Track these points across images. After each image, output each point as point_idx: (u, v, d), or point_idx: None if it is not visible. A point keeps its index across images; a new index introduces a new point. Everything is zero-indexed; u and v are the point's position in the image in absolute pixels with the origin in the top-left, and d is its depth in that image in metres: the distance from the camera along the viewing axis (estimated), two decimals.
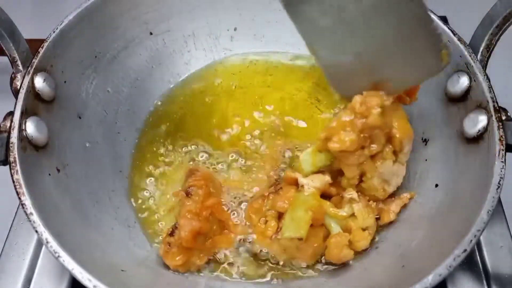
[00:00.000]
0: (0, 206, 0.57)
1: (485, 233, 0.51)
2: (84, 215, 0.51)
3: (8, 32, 0.52)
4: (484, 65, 0.54)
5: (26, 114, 0.49)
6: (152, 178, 0.59)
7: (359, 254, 0.52)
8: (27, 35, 0.55)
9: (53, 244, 0.43)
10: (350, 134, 0.48)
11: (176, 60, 0.68)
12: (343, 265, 0.52)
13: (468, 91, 0.53)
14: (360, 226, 0.52)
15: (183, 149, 0.61)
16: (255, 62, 0.70)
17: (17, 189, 0.45)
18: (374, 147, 0.50)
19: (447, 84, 0.54)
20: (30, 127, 0.49)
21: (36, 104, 0.51)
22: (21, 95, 0.50)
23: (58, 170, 0.51)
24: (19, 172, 0.46)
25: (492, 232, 0.55)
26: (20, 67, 0.52)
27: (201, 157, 0.60)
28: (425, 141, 0.57)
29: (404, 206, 0.54)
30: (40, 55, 0.52)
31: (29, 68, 0.51)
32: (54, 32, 0.55)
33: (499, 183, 0.46)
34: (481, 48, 0.54)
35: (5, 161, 0.47)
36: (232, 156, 0.60)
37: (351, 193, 0.52)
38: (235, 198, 0.57)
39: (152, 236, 0.55)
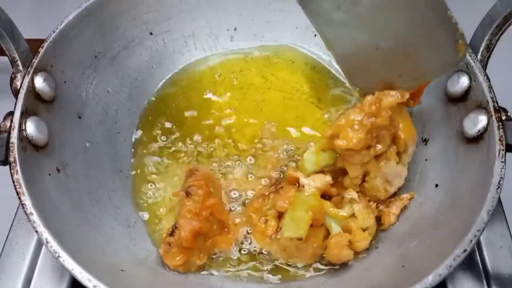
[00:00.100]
0: (0, 206, 0.57)
1: (485, 233, 0.51)
2: (84, 215, 0.51)
3: (8, 32, 0.52)
4: (484, 65, 0.54)
5: (26, 114, 0.49)
6: (152, 178, 0.59)
7: (359, 254, 0.52)
8: (27, 35, 0.55)
9: (53, 244, 0.43)
10: (358, 132, 0.48)
11: (176, 60, 0.68)
12: (343, 265, 0.52)
13: (468, 91, 0.53)
14: (360, 226, 0.52)
15: (183, 149, 0.61)
16: (255, 62, 0.70)
17: (17, 189, 0.45)
18: (380, 147, 0.50)
19: (447, 84, 0.55)
20: (30, 127, 0.49)
21: (36, 104, 0.51)
22: (21, 95, 0.50)
23: (58, 170, 0.51)
24: (19, 172, 0.46)
25: (492, 232, 0.55)
26: (20, 67, 0.52)
27: (201, 157, 0.60)
28: (425, 141, 0.57)
29: (404, 207, 0.54)
30: (40, 55, 0.52)
31: (29, 68, 0.51)
32: (54, 32, 0.55)
33: (499, 183, 0.46)
34: (481, 48, 0.54)
35: (5, 161, 0.47)
36: (232, 156, 0.60)
37: (352, 194, 0.52)
38: (235, 198, 0.57)
39: (152, 236, 0.55)
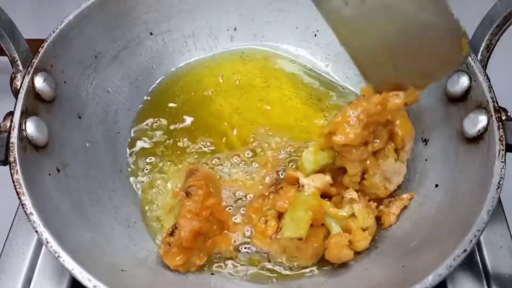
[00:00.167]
0: (0, 206, 0.57)
1: (485, 233, 0.51)
2: (84, 215, 0.51)
3: (8, 32, 0.52)
4: (484, 65, 0.54)
5: (26, 114, 0.49)
6: (152, 178, 0.59)
7: (359, 254, 0.52)
8: (27, 35, 0.55)
9: (53, 244, 0.43)
10: (355, 127, 0.48)
11: (176, 60, 0.68)
12: (343, 265, 0.52)
13: (468, 91, 0.53)
14: (360, 226, 0.52)
15: (183, 149, 0.61)
16: (255, 63, 0.69)
17: (17, 189, 0.45)
18: (377, 142, 0.51)
19: (447, 84, 0.55)
20: (30, 127, 0.49)
21: (36, 104, 0.51)
22: (21, 95, 0.50)
23: (58, 170, 0.51)
24: (19, 172, 0.46)
25: (492, 232, 0.55)
26: (20, 67, 0.52)
27: (201, 156, 0.60)
28: (425, 141, 0.57)
29: (404, 207, 0.54)
30: (40, 55, 0.52)
31: (29, 68, 0.51)
32: (54, 32, 0.55)
33: (499, 183, 0.46)
34: (481, 48, 0.54)
35: (5, 161, 0.47)
36: (232, 156, 0.60)
37: (352, 193, 0.52)
38: (235, 198, 0.57)
39: (152, 236, 0.55)
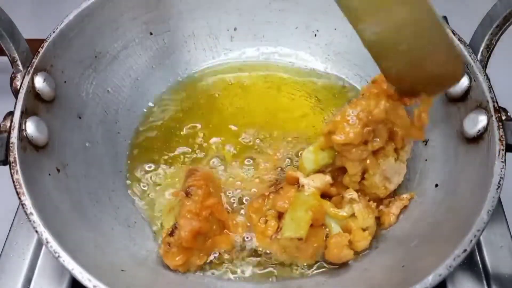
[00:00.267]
0: (0, 206, 0.57)
1: (485, 233, 0.51)
2: (84, 215, 0.51)
3: (8, 32, 0.52)
4: (484, 65, 0.54)
5: (26, 114, 0.49)
6: (152, 178, 0.59)
7: (359, 254, 0.52)
8: (27, 35, 0.55)
9: (53, 244, 0.43)
10: (355, 126, 0.48)
11: (176, 60, 0.68)
12: (343, 265, 0.52)
13: (468, 91, 0.53)
14: (360, 226, 0.52)
15: (183, 148, 0.61)
16: (255, 62, 0.70)
17: (17, 189, 0.45)
18: (377, 141, 0.51)
19: None
20: (30, 127, 0.49)
21: (36, 104, 0.51)
22: (21, 95, 0.50)
23: (58, 170, 0.51)
24: (19, 172, 0.46)
25: (492, 232, 0.55)
26: (20, 67, 0.52)
27: (201, 156, 0.60)
28: (425, 141, 0.57)
29: (404, 207, 0.54)
30: (40, 55, 0.52)
31: (29, 68, 0.51)
32: (54, 32, 0.55)
33: (499, 183, 0.46)
34: (481, 48, 0.54)
35: (5, 161, 0.47)
36: (232, 156, 0.60)
37: (352, 194, 0.52)
38: (235, 198, 0.57)
39: (152, 235, 0.55)
